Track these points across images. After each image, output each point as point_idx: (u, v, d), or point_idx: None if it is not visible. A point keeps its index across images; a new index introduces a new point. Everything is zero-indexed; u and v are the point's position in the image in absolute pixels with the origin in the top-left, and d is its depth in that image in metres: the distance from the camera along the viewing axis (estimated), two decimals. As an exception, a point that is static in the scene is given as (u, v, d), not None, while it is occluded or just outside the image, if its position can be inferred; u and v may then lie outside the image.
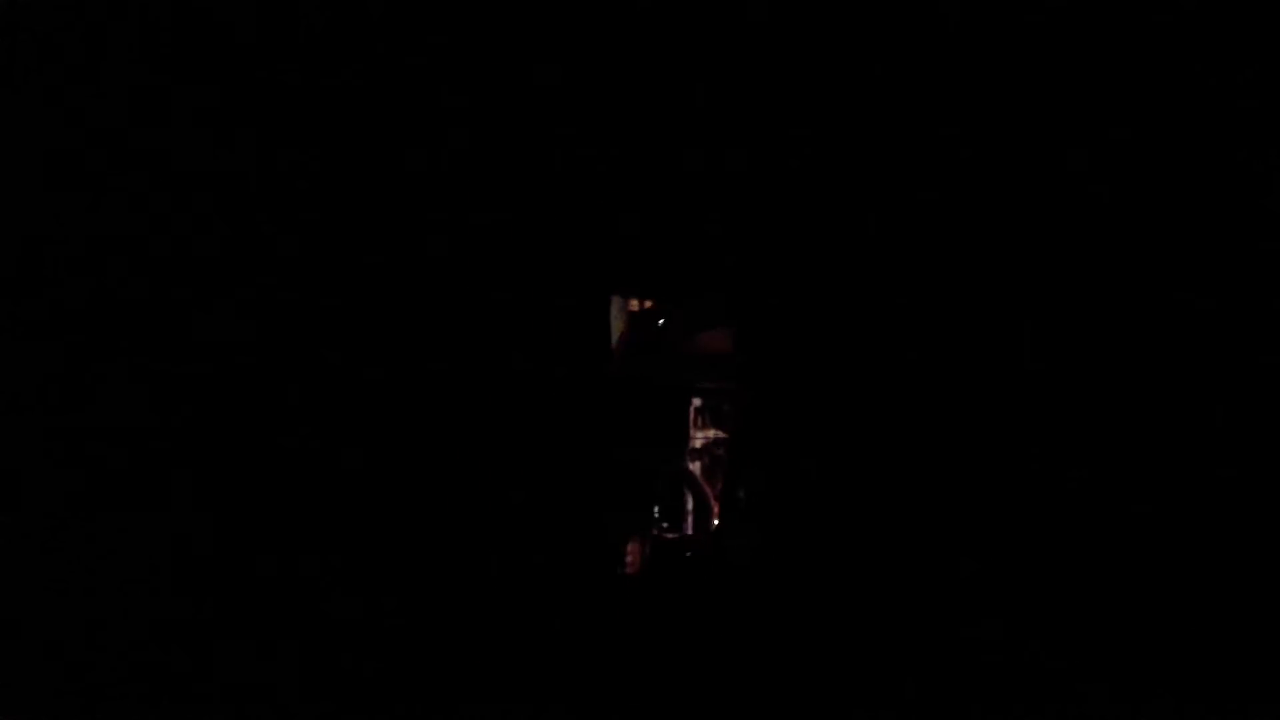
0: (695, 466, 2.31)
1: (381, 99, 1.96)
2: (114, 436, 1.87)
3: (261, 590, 1.89)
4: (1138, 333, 1.90)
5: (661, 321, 2.26)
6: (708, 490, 2.28)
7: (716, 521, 2.26)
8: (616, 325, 2.21)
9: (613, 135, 2.02)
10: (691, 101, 2.01)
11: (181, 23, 1.90)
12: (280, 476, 1.91)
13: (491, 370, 1.99)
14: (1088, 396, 1.92)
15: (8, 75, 1.86)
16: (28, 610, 1.83)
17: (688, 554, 2.24)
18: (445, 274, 1.98)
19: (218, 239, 1.92)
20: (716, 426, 2.31)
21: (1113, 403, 1.90)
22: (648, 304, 2.26)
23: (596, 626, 1.99)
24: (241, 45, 1.92)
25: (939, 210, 1.99)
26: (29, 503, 1.84)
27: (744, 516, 2.16)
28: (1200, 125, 1.88)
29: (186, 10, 1.90)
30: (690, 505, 2.29)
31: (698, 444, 2.32)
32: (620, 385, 2.17)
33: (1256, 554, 1.82)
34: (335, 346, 1.94)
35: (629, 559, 2.17)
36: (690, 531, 2.27)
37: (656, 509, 2.25)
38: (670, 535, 2.25)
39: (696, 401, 2.31)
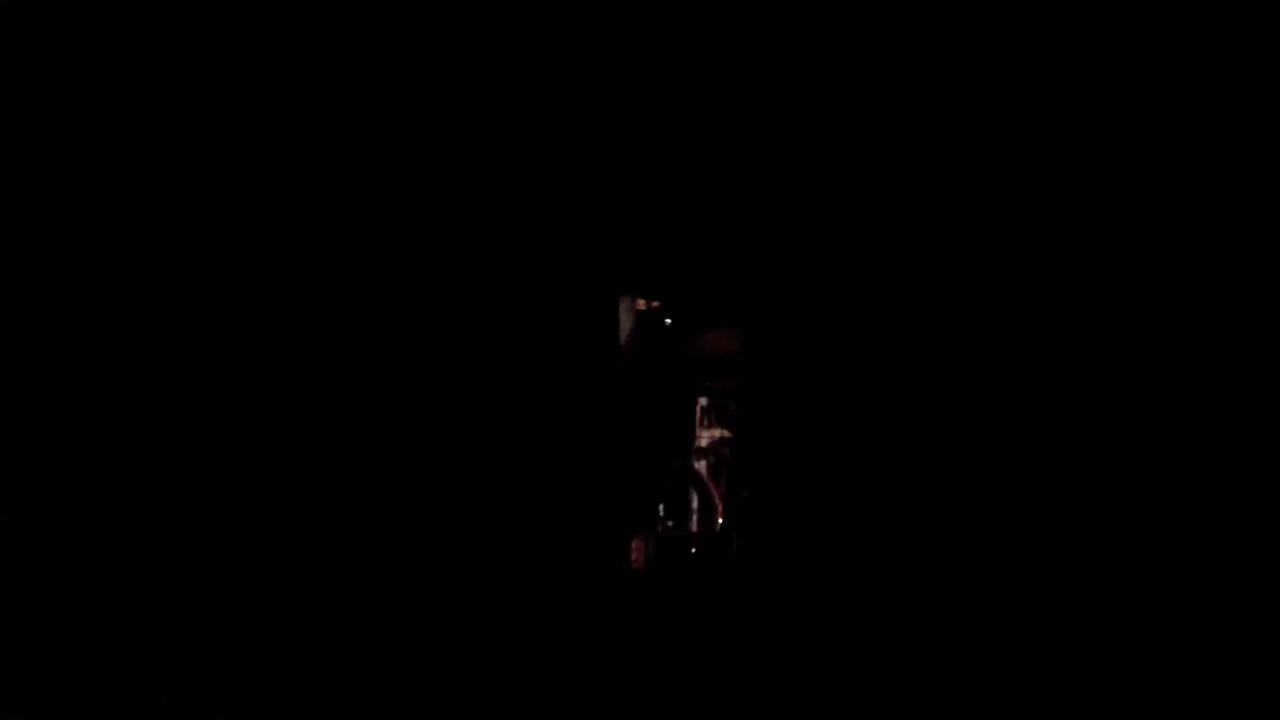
0: (701, 466, 2.31)
1: (381, 99, 1.96)
2: (114, 436, 1.87)
3: (261, 590, 1.89)
4: (1137, 333, 1.90)
5: (669, 321, 2.26)
6: (713, 489, 2.28)
7: (720, 521, 2.26)
8: (624, 324, 2.22)
9: (613, 135, 2.02)
10: (691, 101, 2.01)
11: (181, 23, 1.90)
12: (280, 476, 1.91)
13: (495, 370, 1.99)
14: (1088, 397, 1.91)
15: (8, 75, 1.86)
16: (28, 610, 1.83)
17: (692, 551, 2.24)
18: (445, 274, 1.98)
19: (218, 239, 1.92)
20: (722, 426, 2.31)
21: (1112, 403, 1.90)
22: (655, 304, 2.26)
23: (600, 625, 1.99)
24: (241, 45, 1.92)
25: (939, 210, 1.99)
26: (29, 503, 1.84)
27: (748, 516, 2.16)
28: (1200, 125, 1.88)
29: (186, 10, 1.90)
30: (695, 504, 2.29)
31: (703, 443, 2.32)
32: (627, 384, 2.17)
33: (1256, 554, 1.82)
34: (335, 346, 1.94)
35: (633, 557, 2.17)
36: (695, 530, 2.27)
37: (661, 508, 2.25)
38: (674, 534, 2.25)
39: (703, 401, 2.32)
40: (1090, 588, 1.89)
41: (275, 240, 1.94)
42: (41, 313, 1.86)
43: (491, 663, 1.92)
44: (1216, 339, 1.86)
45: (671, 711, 1.96)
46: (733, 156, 2.04)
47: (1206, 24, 1.86)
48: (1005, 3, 1.93)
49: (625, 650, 1.99)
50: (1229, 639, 1.82)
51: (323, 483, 1.92)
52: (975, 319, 1.98)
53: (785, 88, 2.02)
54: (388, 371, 1.95)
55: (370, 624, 1.91)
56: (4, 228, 1.86)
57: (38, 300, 1.86)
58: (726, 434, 2.30)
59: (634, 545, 2.17)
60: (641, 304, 2.26)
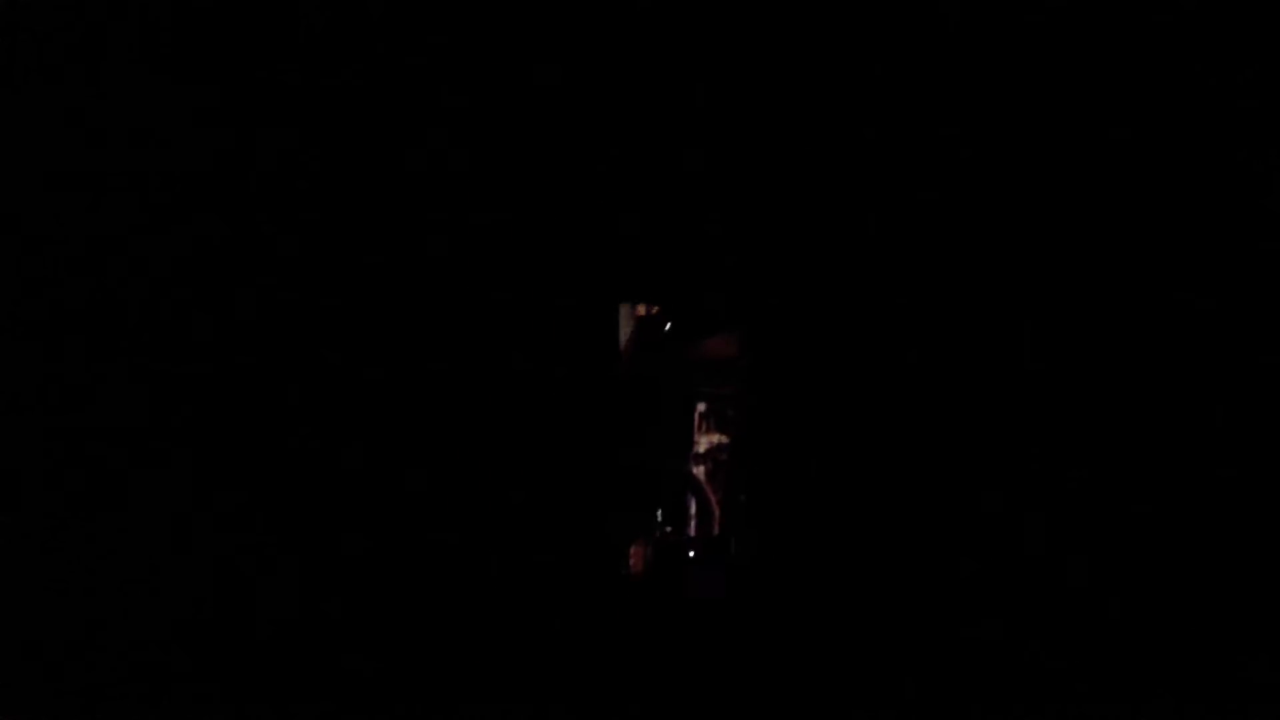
0: (699, 470, 2.31)
1: (381, 99, 1.96)
2: (114, 436, 1.87)
3: (261, 591, 1.89)
4: (1138, 333, 1.90)
5: (668, 325, 2.27)
6: (711, 494, 2.29)
7: (718, 525, 2.26)
8: (624, 328, 2.22)
9: (613, 136, 2.02)
10: (691, 101, 2.01)
11: (181, 23, 1.90)
12: (281, 476, 1.91)
13: (495, 371, 1.99)
14: (1088, 396, 1.92)
15: (8, 75, 1.86)
16: (28, 610, 1.83)
17: (690, 554, 2.25)
18: (445, 274, 1.99)
19: (218, 239, 1.92)
20: (720, 431, 2.32)
21: (1112, 403, 1.90)
22: (654, 309, 2.27)
23: (598, 627, 1.99)
24: (241, 45, 1.92)
25: (939, 210, 2.00)
26: (29, 503, 1.84)
27: (746, 520, 2.16)
28: (1200, 125, 1.88)
29: (186, 10, 1.90)
30: (693, 508, 2.29)
31: (702, 448, 2.33)
32: (627, 388, 2.18)
33: (1256, 554, 1.82)
34: (335, 346, 1.94)
35: (632, 560, 2.17)
36: (693, 535, 2.28)
37: (660, 511, 2.26)
38: (673, 538, 2.25)
39: (701, 406, 2.32)
40: (1090, 588, 1.89)
41: (275, 240, 1.94)
42: (41, 313, 1.87)
43: (491, 663, 1.93)
44: (1216, 339, 1.86)
45: (671, 712, 1.96)
46: (733, 157, 2.04)
47: (1206, 24, 1.86)
48: (1005, 3, 1.93)
49: (623, 652, 1.99)
50: (1229, 639, 1.82)
51: (323, 482, 1.92)
52: (974, 319, 1.98)
53: (785, 88, 2.02)
54: (388, 371, 1.95)
55: (370, 624, 1.91)
56: (4, 228, 1.86)
57: (38, 300, 1.86)
58: (724, 439, 2.31)
59: (633, 550, 2.18)
60: (641, 309, 2.26)
